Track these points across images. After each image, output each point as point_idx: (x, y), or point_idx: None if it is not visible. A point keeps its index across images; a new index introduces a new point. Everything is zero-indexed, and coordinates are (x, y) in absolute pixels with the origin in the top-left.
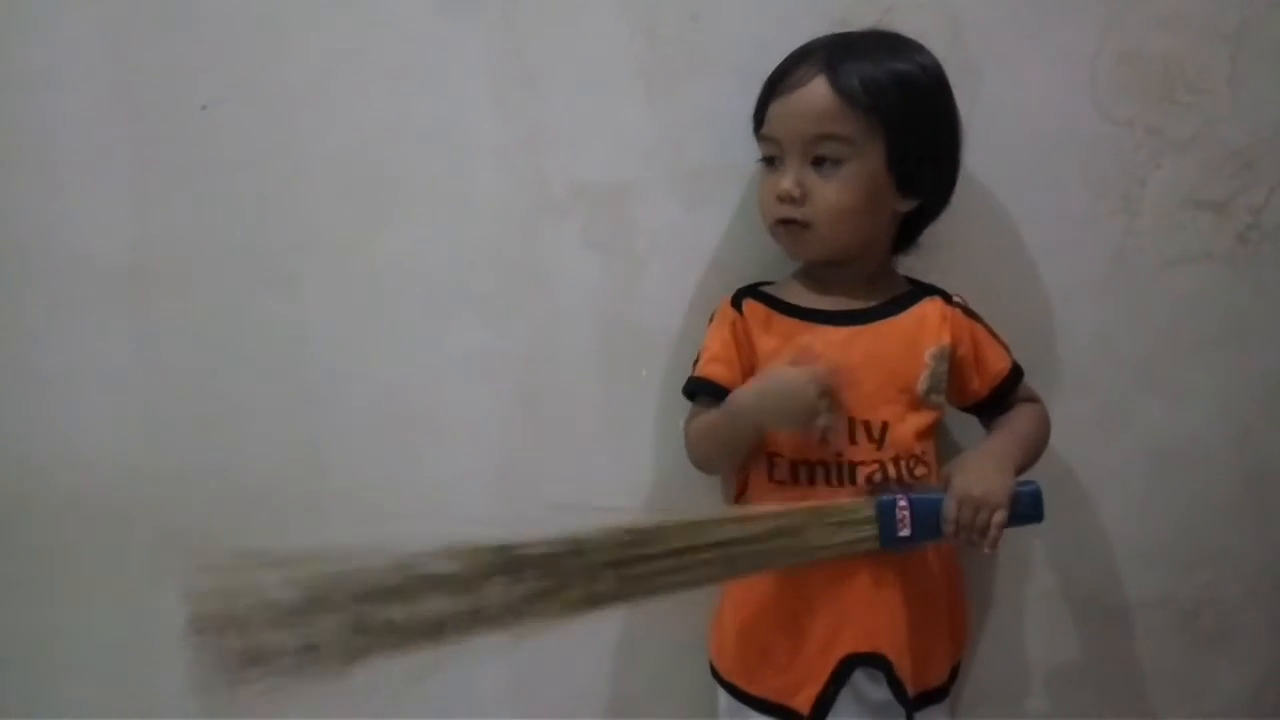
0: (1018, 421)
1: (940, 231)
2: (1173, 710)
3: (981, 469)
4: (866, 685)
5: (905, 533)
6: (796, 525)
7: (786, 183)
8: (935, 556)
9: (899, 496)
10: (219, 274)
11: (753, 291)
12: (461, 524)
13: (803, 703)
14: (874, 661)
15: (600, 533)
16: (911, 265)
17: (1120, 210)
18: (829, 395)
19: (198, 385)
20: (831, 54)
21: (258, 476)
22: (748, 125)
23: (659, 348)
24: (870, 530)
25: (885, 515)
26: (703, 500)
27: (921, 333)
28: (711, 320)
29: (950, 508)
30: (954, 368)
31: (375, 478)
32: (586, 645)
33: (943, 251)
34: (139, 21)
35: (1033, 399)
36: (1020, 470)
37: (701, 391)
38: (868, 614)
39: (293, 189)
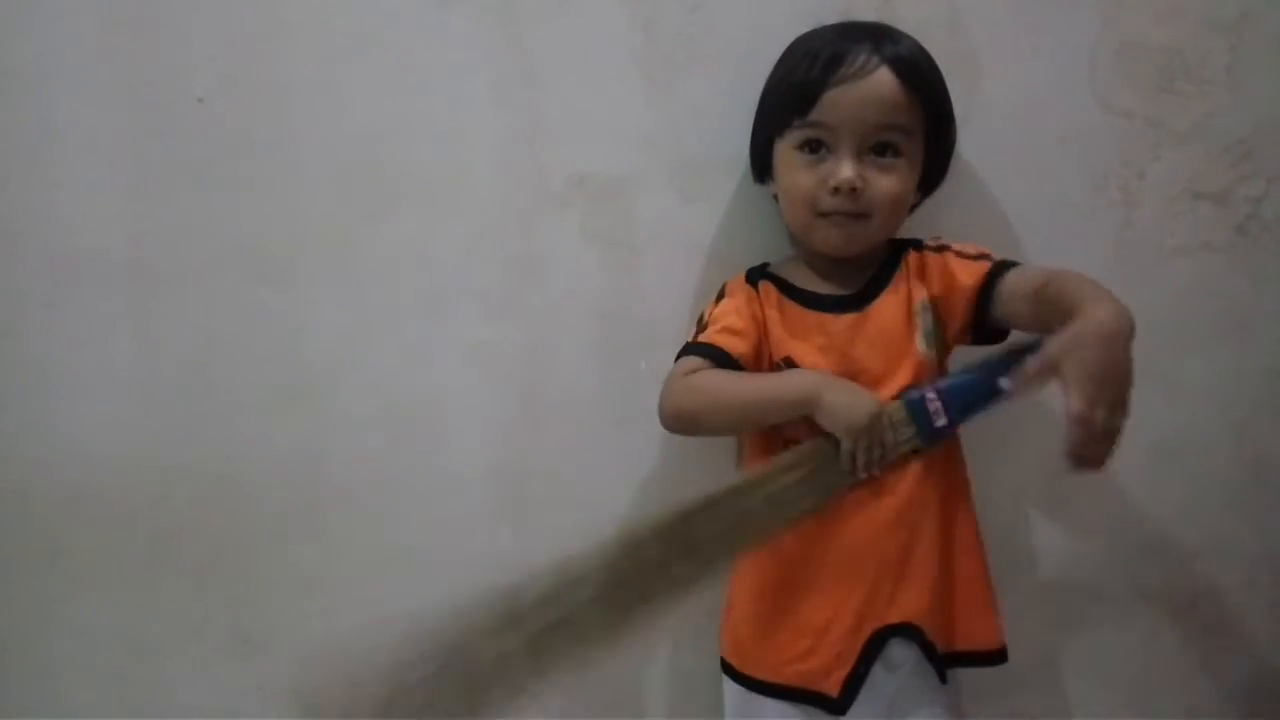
0: (1081, 281)
1: (939, 220)
2: (1171, 698)
3: (1097, 300)
4: (892, 661)
5: (942, 422)
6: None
7: (848, 172)
8: (960, 520)
9: (926, 390)
10: (217, 267)
11: (764, 273)
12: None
13: (833, 685)
14: (904, 632)
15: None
16: None
17: (1119, 201)
18: (878, 434)
19: (195, 379)
20: (878, 42)
21: (256, 470)
22: (747, 117)
23: (658, 339)
24: (909, 432)
25: (916, 411)
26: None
27: (910, 298)
28: (721, 296)
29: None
30: (937, 310)
31: (374, 471)
32: None
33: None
34: (136, 14)
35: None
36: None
37: (709, 357)
38: (897, 584)
39: (291, 182)
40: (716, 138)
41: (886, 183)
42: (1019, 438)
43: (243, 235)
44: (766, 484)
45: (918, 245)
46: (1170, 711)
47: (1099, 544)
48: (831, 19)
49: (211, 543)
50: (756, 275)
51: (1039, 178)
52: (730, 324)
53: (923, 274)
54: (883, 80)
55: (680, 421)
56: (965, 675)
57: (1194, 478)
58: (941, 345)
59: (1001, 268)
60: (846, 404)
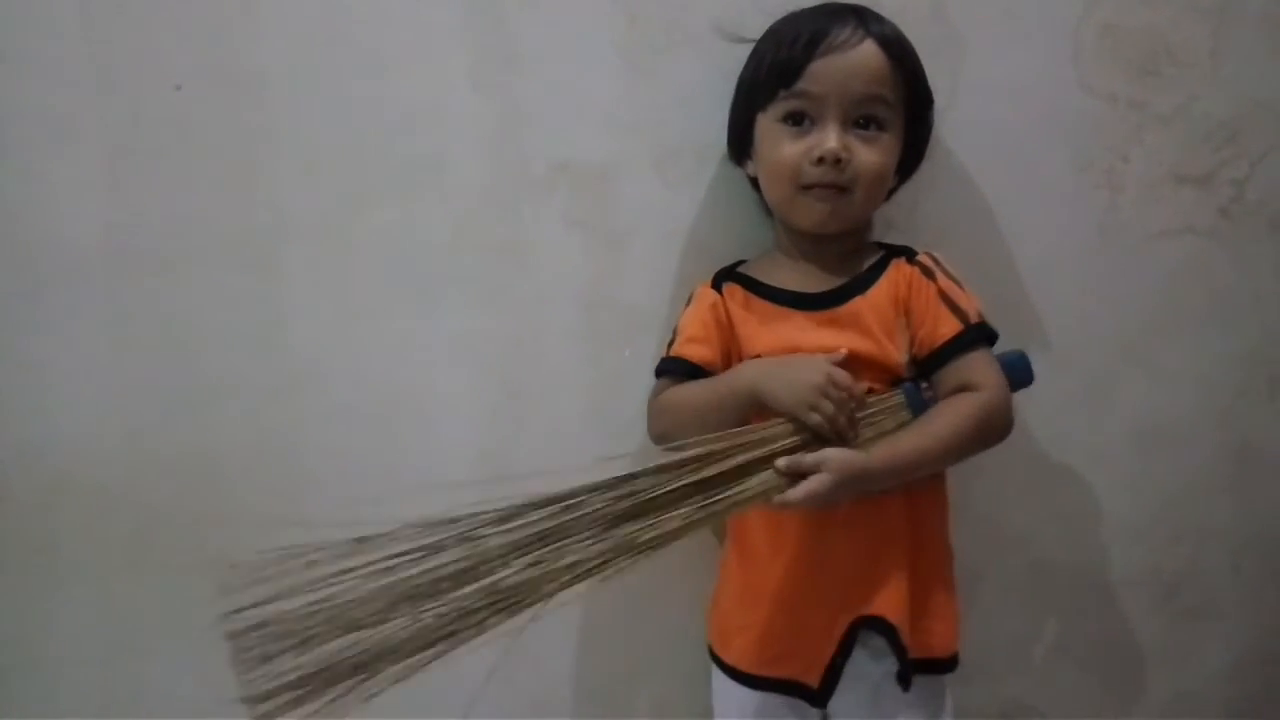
0: (935, 417)
1: (923, 205)
2: (1154, 682)
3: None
4: (869, 652)
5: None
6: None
7: (833, 142)
8: (935, 528)
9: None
10: (197, 257)
11: (731, 273)
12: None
13: (812, 677)
14: (878, 626)
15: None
16: (895, 239)
17: (1103, 185)
18: (836, 394)
19: (176, 371)
20: (864, 18)
21: (238, 461)
22: (728, 103)
23: (642, 326)
24: (906, 415)
25: (914, 401)
26: None
27: (892, 303)
28: (688, 303)
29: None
30: (911, 327)
31: (357, 461)
32: (576, 627)
33: (925, 226)
34: (112, 2)
35: (983, 382)
36: (910, 473)
37: (678, 371)
38: (870, 579)
39: (270, 170)
40: (699, 124)
41: (870, 155)
42: None
43: (222, 224)
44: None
45: (909, 255)
46: (1154, 695)
47: (1083, 528)
48: (814, 4)
49: (194, 534)
50: (723, 276)
51: (1023, 162)
52: (693, 333)
53: (909, 293)
54: (868, 52)
55: (663, 442)
56: None
57: (1177, 463)
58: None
59: (966, 342)
60: (788, 383)
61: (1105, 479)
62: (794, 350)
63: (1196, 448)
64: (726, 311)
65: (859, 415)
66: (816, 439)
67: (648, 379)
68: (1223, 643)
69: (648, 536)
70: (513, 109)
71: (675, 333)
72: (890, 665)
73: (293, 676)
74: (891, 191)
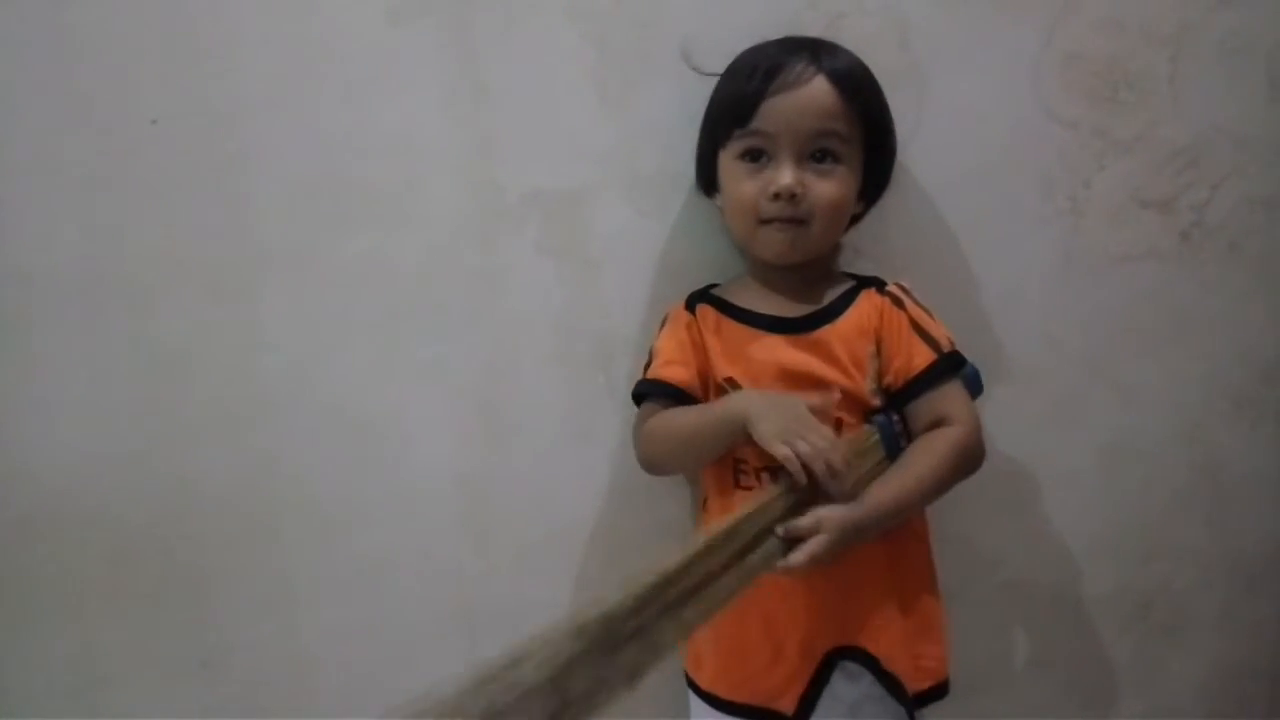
0: (915, 459)
1: (890, 233)
2: (1128, 700)
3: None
4: (845, 681)
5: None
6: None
7: (788, 178)
8: (916, 556)
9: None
10: (172, 286)
11: (705, 295)
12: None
13: (787, 704)
14: (855, 656)
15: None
16: (864, 266)
17: (1067, 210)
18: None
19: (152, 399)
20: (815, 53)
21: (215, 488)
22: (698, 130)
23: (616, 352)
24: (879, 455)
25: (887, 435)
26: (666, 502)
27: (861, 334)
28: (663, 326)
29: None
30: (881, 358)
31: (334, 488)
32: None
33: (893, 253)
34: (88, 35)
35: (958, 417)
36: (898, 517)
37: (658, 393)
38: (848, 608)
39: (245, 201)
40: (670, 152)
41: (825, 188)
42: None
43: (198, 254)
44: (728, 543)
45: (880, 286)
46: (1128, 712)
47: (1055, 547)
48: (779, 34)
49: (169, 564)
50: (697, 299)
51: (987, 188)
52: (670, 355)
53: (880, 323)
54: (819, 88)
55: (652, 468)
56: None
57: (1146, 480)
58: (880, 388)
59: (940, 373)
60: (770, 412)
61: (1075, 498)
62: (770, 368)
63: (1165, 466)
64: (700, 332)
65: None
66: (804, 501)
67: (623, 404)
68: (1195, 659)
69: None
70: (485, 138)
71: (651, 355)
72: (868, 686)
73: None
74: (858, 218)
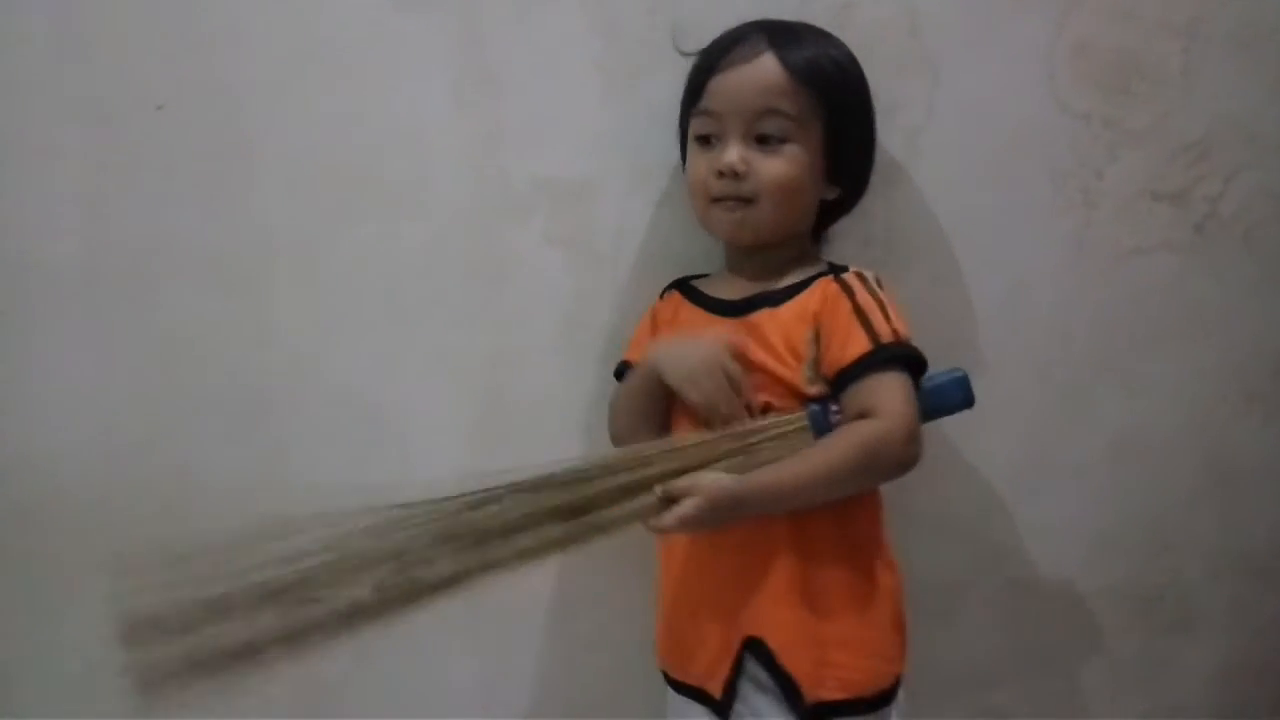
0: (822, 446)
1: (899, 223)
2: (1135, 695)
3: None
4: (753, 686)
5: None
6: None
7: (730, 156)
8: (832, 553)
9: (830, 404)
10: (177, 276)
11: (680, 283)
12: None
13: (715, 688)
14: (758, 648)
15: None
16: (874, 256)
17: (1079, 202)
18: (731, 369)
19: (156, 390)
20: (773, 34)
21: (220, 480)
22: None
23: (624, 342)
24: (807, 438)
25: (818, 424)
26: None
27: (801, 320)
28: None
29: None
30: (821, 345)
31: (339, 479)
32: (550, 642)
33: (902, 243)
34: (94, 21)
35: (883, 410)
36: (790, 502)
37: (622, 375)
38: (753, 599)
39: (251, 189)
40: (678, 142)
41: (771, 166)
42: (981, 438)
43: (203, 243)
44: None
45: (839, 273)
46: (1136, 708)
47: (1061, 543)
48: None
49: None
50: (673, 285)
51: (998, 179)
52: (637, 338)
53: (822, 308)
54: (764, 66)
55: (616, 440)
56: (932, 672)
57: (1156, 474)
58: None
59: (871, 365)
60: (680, 356)
61: (1083, 491)
62: None
63: (1175, 461)
64: (658, 317)
65: (755, 431)
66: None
67: None
68: (1203, 654)
69: (507, 555)
70: (493, 127)
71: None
72: (775, 698)
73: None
74: (842, 206)
